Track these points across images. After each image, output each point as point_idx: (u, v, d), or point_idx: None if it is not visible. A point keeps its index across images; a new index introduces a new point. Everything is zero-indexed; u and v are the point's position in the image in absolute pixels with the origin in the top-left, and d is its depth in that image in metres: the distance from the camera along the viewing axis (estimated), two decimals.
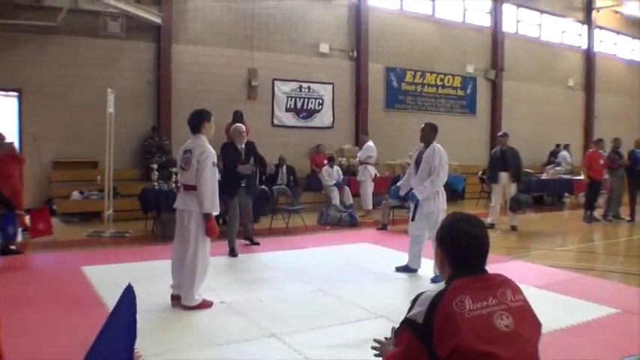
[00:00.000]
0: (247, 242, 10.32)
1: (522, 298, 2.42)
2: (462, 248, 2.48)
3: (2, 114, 14.14)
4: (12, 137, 12.54)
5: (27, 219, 10.22)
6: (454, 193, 18.25)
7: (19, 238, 9.97)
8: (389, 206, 12.43)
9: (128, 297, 2.97)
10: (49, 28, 13.64)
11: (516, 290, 2.43)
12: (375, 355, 2.79)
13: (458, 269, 2.46)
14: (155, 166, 12.15)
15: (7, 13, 13.34)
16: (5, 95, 14.22)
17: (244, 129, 9.94)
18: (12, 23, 13.34)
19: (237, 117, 13.42)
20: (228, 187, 9.17)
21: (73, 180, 13.79)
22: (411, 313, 2.35)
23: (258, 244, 10.34)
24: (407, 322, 2.34)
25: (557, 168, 18.81)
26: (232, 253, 9.37)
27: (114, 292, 3.07)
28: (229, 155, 9.59)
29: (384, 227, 12.31)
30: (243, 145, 9.78)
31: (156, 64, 15.24)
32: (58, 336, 5.35)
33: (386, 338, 2.79)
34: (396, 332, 2.45)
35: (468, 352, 2.15)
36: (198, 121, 6.64)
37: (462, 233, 2.49)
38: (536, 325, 2.42)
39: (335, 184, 15.00)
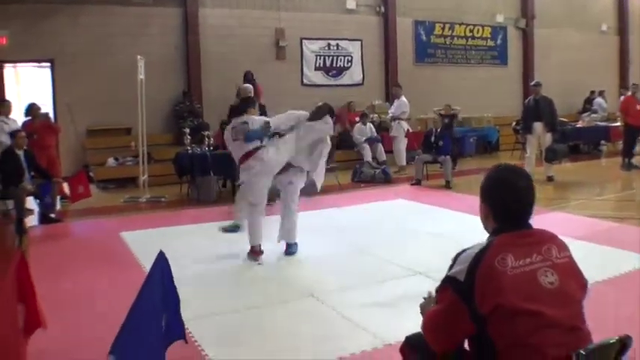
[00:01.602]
0: None
1: (568, 255, 2.37)
2: (505, 200, 2.42)
3: (37, 85, 14.33)
4: (47, 107, 12.72)
5: (65, 186, 10.40)
6: (488, 144, 18.18)
7: (58, 206, 10.15)
8: (422, 161, 12.38)
9: (160, 264, 3.02)
10: None
11: (562, 247, 2.38)
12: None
13: (502, 223, 2.41)
14: (187, 130, 12.21)
15: None
16: (39, 66, 14.39)
17: (252, 88, 10.04)
18: None
19: (248, 77, 13.30)
20: None
21: (107, 147, 13.96)
22: (452, 271, 2.32)
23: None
24: (448, 280, 2.32)
25: (593, 115, 18.49)
26: None
27: (152, 257, 3.12)
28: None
29: (418, 182, 12.26)
30: None
31: (184, 28, 15.20)
32: (99, 302, 5.46)
33: (424, 298, 2.78)
34: (437, 290, 2.42)
35: (510, 310, 2.14)
36: (243, 109, 7.14)
37: (506, 184, 2.43)
38: (582, 282, 2.37)
39: (366, 140, 14.94)
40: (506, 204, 2.41)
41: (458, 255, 2.37)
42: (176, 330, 3.24)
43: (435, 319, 2.40)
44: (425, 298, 2.76)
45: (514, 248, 2.26)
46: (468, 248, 2.35)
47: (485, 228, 2.55)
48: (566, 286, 2.26)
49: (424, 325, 2.49)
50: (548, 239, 2.38)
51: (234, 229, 8.01)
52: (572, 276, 2.33)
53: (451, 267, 2.36)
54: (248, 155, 6.75)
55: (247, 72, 13.57)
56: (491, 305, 2.15)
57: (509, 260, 2.22)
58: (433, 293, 2.62)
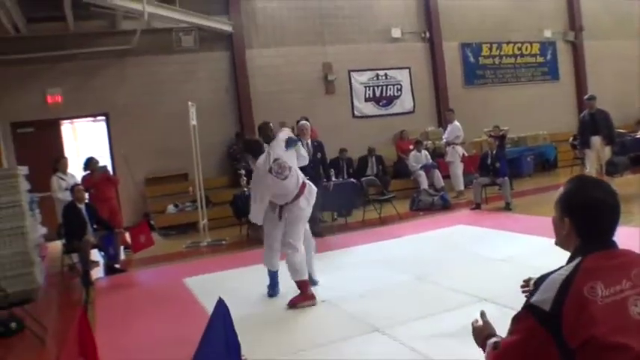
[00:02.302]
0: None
1: None
2: (595, 218, 2.22)
3: (93, 139, 14.71)
4: (104, 160, 13.03)
5: (127, 236, 10.56)
6: (546, 162, 17.88)
7: (122, 256, 10.29)
8: (480, 185, 12.22)
9: (221, 310, 3.03)
10: (126, 51, 14.16)
11: None
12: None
13: (587, 241, 2.23)
14: (243, 171, 12.31)
15: (87, 42, 13.97)
16: (94, 121, 14.79)
17: (308, 125, 10.33)
18: (92, 51, 13.94)
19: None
20: None
21: (166, 194, 14.19)
22: (534, 298, 2.15)
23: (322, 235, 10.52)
24: (531, 309, 2.14)
25: None
26: None
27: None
28: None
29: (477, 207, 12.10)
30: (309, 141, 10.35)
31: (232, 71, 15.46)
32: (166, 351, 5.47)
33: (473, 324, 2.61)
34: (516, 318, 2.22)
35: (600, 344, 1.98)
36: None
37: (597, 200, 2.23)
38: None
39: (422, 167, 14.85)
40: (595, 222, 2.24)
41: (540, 280, 2.21)
42: None
43: (516, 351, 2.19)
44: (474, 324, 2.60)
45: (603, 274, 2.10)
46: (551, 273, 2.19)
47: (562, 244, 2.37)
48: None
49: (499, 358, 2.28)
50: (637, 262, 2.21)
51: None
52: None
53: (532, 293, 2.20)
54: (302, 188, 6.78)
55: (301, 118, 13.68)
56: (583, 338, 2.00)
57: (599, 289, 2.06)
58: (486, 316, 2.55)
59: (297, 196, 6.73)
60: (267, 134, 7.17)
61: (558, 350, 2.05)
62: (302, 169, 7.16)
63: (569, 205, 2.30)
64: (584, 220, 2.25)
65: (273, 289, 7.11)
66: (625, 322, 2.03)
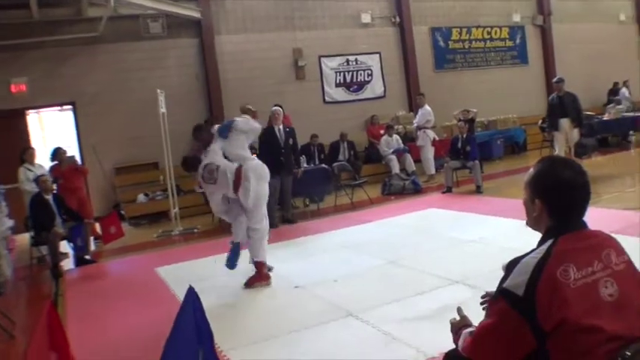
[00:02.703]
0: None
1: (626, 260, 2.20)
2: (566, 198, 2.22)
3: (61, 129, 14.49)
4: (72, 150, 12.85)
5: (97, 227, 10.44)
6: (515, 145, 18.02)
7: (92, 247, 10.16)
8: (451, 168, 12.26)
9: (191, 298, 2.99)
10: (93, 38, 13.86)
11: (620, 250, 2.21)
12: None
13: (559, 221, 2.22)
14: None
15: (52, 30, 13.62)
16: (61, 110, 14.55)
17: (280, 111, 10.76)
18: (58, 39, 13.60)
19: None
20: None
21: (136, 183, 14.05)
22: (507, 282, 2.13)
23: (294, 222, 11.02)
24: (503, 293, 2.13)
25: (619, 107, 18.12)
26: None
27: None
28: (268, 137, 10.24)
29: (449, 190, 12.13)
30: (281, 127, 10.65)
31: (201, 58, 15.30)
32: (138, 339, 5.44)
33: (451, 323, 2.60)
34: (490, 301, 2.25)
35: (572, 326, 1.99)
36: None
37: (568, 180, 2.23)
38: None
39: (394, 152, 14.88)
40: (566, 203, 2.22)
41: (512, 264, 2.18)
42: None
43: (491, 335, 2.18)
44: (451, 321, 2.60)
45: (576, 256, 2.10)
46: (523, 256, 2.18)
47: (534, 225, 2.35)
48: (627, 297, 2.10)
49: (474, 343, 2.27)
50: (607, 243, 2.22)
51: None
52: (632, 282, 2.17)
53: (505, 278, 2.17)
54: (238, 174, 6.74)
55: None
56: (556, 321, 2.00)
57: (572, 272, 2.06)
58: (463, 311, 2.56)
59: (237, 187, 6.75)
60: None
61: (533, 333, 2.04)
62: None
63: (539, 185, 2.28)
64: (556, 200, 2.24)
65: (230, 261, 7.05)
66: (596, 304, 2.04)
